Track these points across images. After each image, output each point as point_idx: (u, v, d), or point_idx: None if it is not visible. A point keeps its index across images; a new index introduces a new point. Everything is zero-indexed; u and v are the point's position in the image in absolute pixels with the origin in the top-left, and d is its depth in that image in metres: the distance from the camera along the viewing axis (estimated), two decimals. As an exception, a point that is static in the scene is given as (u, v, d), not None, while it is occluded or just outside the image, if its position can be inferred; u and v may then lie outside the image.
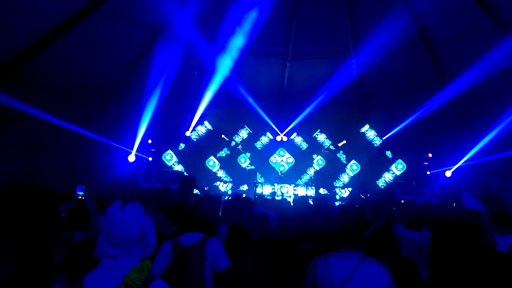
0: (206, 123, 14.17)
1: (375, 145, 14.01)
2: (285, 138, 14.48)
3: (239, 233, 3.86)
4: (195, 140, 14.05)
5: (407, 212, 4.88)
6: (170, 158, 13.54)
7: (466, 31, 10.18)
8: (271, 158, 14.65)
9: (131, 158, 11.95)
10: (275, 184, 13.11)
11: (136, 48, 11.11)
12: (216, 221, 4.20)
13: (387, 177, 13.57)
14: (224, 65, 11.90)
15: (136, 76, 11.35)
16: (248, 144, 14.59)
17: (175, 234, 3.47)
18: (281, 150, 14.67)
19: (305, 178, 14.28)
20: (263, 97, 13.49)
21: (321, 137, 14.53)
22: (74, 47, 9.59)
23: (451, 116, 11.96)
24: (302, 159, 14.57)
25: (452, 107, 11.37)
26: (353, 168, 14.04)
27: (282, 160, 14.65)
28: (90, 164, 11.14)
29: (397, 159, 13.59)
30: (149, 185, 10.82)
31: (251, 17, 10.60)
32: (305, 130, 14.47)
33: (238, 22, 10.83)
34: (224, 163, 14.29)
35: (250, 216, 4.14)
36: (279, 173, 14.31)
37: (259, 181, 13.71)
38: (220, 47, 11.56)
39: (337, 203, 11.65)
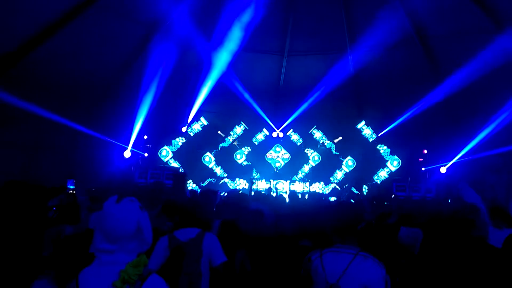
0: (202, 119, 14.15)
1: (371, 141, 14.05)
2: (281, 134, 14.49)
3: (230, 228, 3.87)
4: (191, 136, 14.03)
5: (402, 208, 4.91)
6: (166, 154, 13.52)
7: (461, 28, 10.22)
8: (267, 154, 14.66)
9: (127, 154, 11.92)
10: (271, 180, 13.12)
11: (132, 44, 11.07)
12: (212, 217, 4.21)
13: (383, 173, 13.62)
14: (221, 61, 11.86)
15: (132, 72, 11.31)
16: (244, 140, 14.59)
17: (171, 230, 3.48)
18: (277, 146, 14.68)
19: (301, 174, 14.31)
20: (259, 93, 13.49)
21: (317, 134, 14.55)
22: (69, 44, 9.55)
23: (447, 113, 12.03)
24: (298, 155, 14.59)
25: (447, 103, 11.42)
26: (348, 164, 14.09)
27: (278, 156, 14.66)
28: (86, 160, 11.11)
29: (393, 155, 13.65)
30: (145, 181, 10.80)
31: (248, 13, 10.56)
32: (301, 126, 14.48)
33: (234, 18, 10.80)
34: (220, 159, 14.29)
35: (245, 212, 4.14)
36: (275, 169, 14.33)
37: (255, 176, 13.72)
38: (216, 43, 11.53)
39: (333, 198, 11.70)
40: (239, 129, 14.56)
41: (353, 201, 8.59)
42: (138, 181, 10.82)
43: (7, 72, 8.88)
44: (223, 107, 14.32)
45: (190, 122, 13.76)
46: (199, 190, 11.23)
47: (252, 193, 10.08)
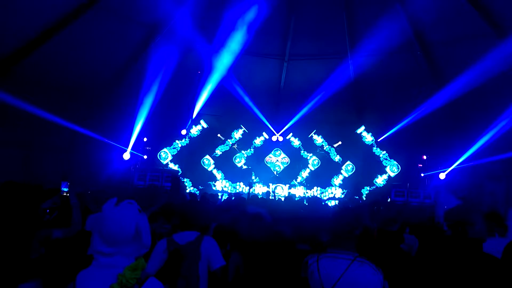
0: (202, 122, 14.16)
1: (371, 146, 14.05)
2: (280, 138, 14.50)
3: (222, 231, 3.86)
4: (191, 138, 14.02)
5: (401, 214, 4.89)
6: (165, 157, 13.52)
7: (462, 34, 10.25)
8: (267, 158, 14.66)
9: (126, 156, 11.91)
10: (270, 184, 13.12)
11: (133, 46, 11.09)
12: (210, 220, 4.20)
13: (382, 178, 13.61)
14: (221, 64, 11.89)
15: (133, 74, 11.32)
16: (243, 143, 14.59)
17: (169, 233, 3.47)
18: (277, 150, 14.69)
19: (300, 178, 14.30)
20: (259, 97, 13.51)
21: (317, 138, 14.56)
22: (70, 44, 9.56)
23: (446, 119, 12.03)
24: (297, 160, 14.59)
25: (447, 109, 11.43)
26: (348, 168, 14.08)
27: (277, 160, 14.66)
28: (84, 161, 11.10)
29: (392, 161, 13.65)
30: (144, 183, 10.79)
31: (249, 17, 10.59)
32: (301, 130, 14.49)
33: (235, 22, 10.82)
34: (220, 162, 14.29)
35: (242, 216, 4.14)
36: (275, 173, 14.33)
37: (254, 180, 13.71)
38: (218, 46, 11.55)
39: (332, 203, 11.70)
40: (238, 133, 14.56)
41: (351, 206, 8.58)
42: (137, 183, 10.81)
43: (8, 72, 8.89)
44: (223, 110, 14.33)
45: (190, 125, 13.77)
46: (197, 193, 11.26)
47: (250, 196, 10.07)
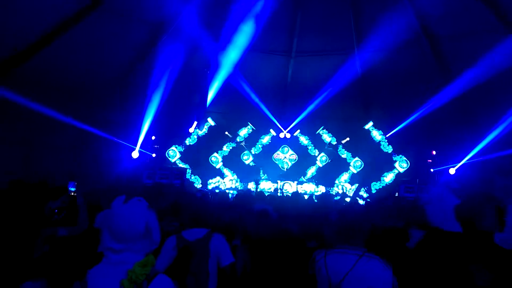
0: (209, 119, 14.19)
1: (379, 142, 13.97)
2: (288, 135, 14.48)
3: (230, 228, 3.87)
4: (199, 136, 14.06)
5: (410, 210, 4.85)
6: (173, 154, 13.58)
7: (470, 28, 10.13)
8: (274, 154, 14.66)
9: (135, 154, 11.99)
10: (278, 181, 13.12)
11: (140, 44, 11.14)
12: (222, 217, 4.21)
13: (391, 174, 13.53)
14: (228, 62, 11.90)
15: (140, 72, 11.38)
16: (251, 140, 14.60)
17: (177, 230, 3.49)
18: (285, 146, 14.67)
19: (309, 175, 14.28)
20: (266, 93, 13.49)
21: (324, 134, 14.51)
22: (78, 43, 9.64)
23: (455, 114, 11.92)
24: (305, 156, 14.56)
25: (456, 104, 11.32)
26: (356, 165, 14.02)
27: (285, 157, 14.65)
28: (93, 160, 11.19)
29: (401, 156, 13.56)
30: (153, 181, 10.86)
31: (255, 13, 10.58)
32: (309, 127, 14.45)
33: (242, 19, 10.82)
34: (227, 160, 14.32)
35: (249, 212, 4.14)
36: (283, 170, 14.33)
37: (263, 177, 13.72)
38: (224, 44, 11.56)
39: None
40: (246, 130, 14.57)
41: (360, 203, 8.56)
42: (146, 181, 10.88)
43: (15, 71, 8.99)
44: (230, 107, 14.34)
45: (203, 122, 13.79)
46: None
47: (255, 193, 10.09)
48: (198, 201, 4.70)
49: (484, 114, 10.95)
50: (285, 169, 14.43)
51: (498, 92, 10.23)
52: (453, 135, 11.94)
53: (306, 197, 9.43)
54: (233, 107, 14.24)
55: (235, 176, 13.87)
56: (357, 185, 13.32)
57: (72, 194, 5.54)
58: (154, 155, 12.81)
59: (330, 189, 13.33)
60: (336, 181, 13.85)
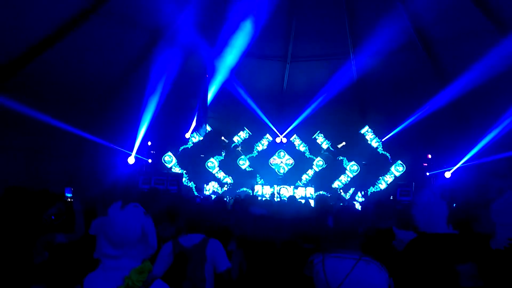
0: (205, 125, 14.17)
1: (375, 146, 14.02)
2: (284, 140, 14.51)
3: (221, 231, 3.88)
4: (195, 142, 14.05)
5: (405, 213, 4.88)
6: (169, 160, 13.55)
7: (464, 31, 10.22)
8: (271, 159, 14.67)
9: (131, 160, 11.97)
10: (275, 186, 13.13)
11: (136, 50, 11.15)
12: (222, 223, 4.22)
13: (387, 178, 13.58)
14: (224, 67, 11.93)
15: (136, 78, 11.38)
16: (247, 145, 14.60)
17: (173, 236, 3.48)
18: (281, 151, 14.69)
19: (305, 179, 14.29)
20: (262, 99, 13.53)
21: (320, 139, 14.55)
22: (74, 49, 9.64)
23: (451, 117, 12.00)
24: (301, 161, 14.58)
25: (452, 108, 11.40)
26: (352, 169, 14.06)
27: (281, 161, 14.66)
28: (89, 166, 11.16)
29: (397, 160, 13.61)
30: (149, 187, 10.83)
31: (251, 19, 10.63)
32: (305, 131, 14.49)
33: (237, 25, 10.86)
34: (224, 165, 14.31)
35: (245, 217, 4.15)
36: (279, 175, 14.34)
37: (259, 182, 13.73)
38: (220, 49, 11.60)
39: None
40: (242, 135, 14.58)
41: (355, 206, 8.58)
42: (142, 187, 10.85)
43: (13, 77, 8.97)
44: (227, 113, 14.36)
45: (192, 130, 13.79)
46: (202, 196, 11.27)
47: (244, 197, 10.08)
48: (195, 206, 4.69)
49: (479, 118, 11.02)
50: (281, 174, 14.44)
51: (492, 95, 10.31)
52: (448, 139, 12.01)
53: (302, 201, 9.43)
54: (230, 113, 14.26)
55: (229, 185, 13.84)
56: (353, 189, 13.35)
57: (69, 200, 5.52)
58: (150, 160, 12.79)
59: (327, 193, 13.35)
60: (333, 185, 13.87)
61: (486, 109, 10.76)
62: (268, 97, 14.00)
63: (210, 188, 13.52)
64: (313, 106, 13.33)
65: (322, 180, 13.97)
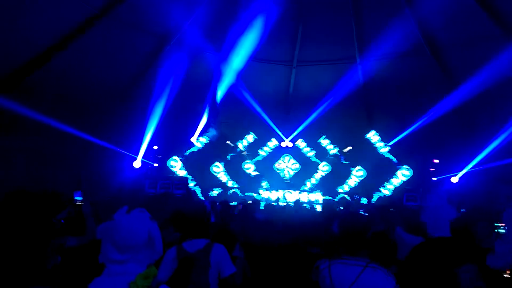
0: (211, 129, 14.19)
1: (381, 150, 13.95)
2: (290, 144, 14.49)
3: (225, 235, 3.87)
4: (201, 146, 14.06)
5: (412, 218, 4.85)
6: (175, 164, 13.57)
7: (472, 37, 10.18)
8: (276, 164, 14.65)
9: (137, 164, 12.01)
10: (280, 190, 13.10)
11: (143, 56, 11.23)
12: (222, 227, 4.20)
13: (394, 183, 13.49)
14: (230, 72, 11.97)
15: (143, 83, 11.45)
16: (253, 149, 14.60)
17: (178, 241, 3.48)
18: (286, 156, 14.67)
19: (311, 183, 14.24)
20: (268, 103, 13.53)
21: (326, 143, 14.51)
22: (81, 55, 9.74)
23: (458, 122, 11.92)
24: (307, 165, 14.54)
25: (459, 112, 11.33)
26: (358, 174, 13.99)
27: (287, 166, 14.63)
28: (96, 170, 11.21)
29: (403, 165, 13.53)
30: (155, 191, 10.85)
31: (257, 24, 10.66)
32: (311, 136, 14.46)
33: (244, 29, 10.90)
34: (229, 169, 14.30)
35: (251, 222, 4.15)
36: (285, 179, 14.30)
37: (264, 186, 13.70)
38: (226, 54, 11.64)
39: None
40: (248, 139, 14.57)
41: (361, 211, 8.53)
42: (148, 191, 10.87)
43: (21, 83, 9.06)
44: (232, 117, 14.37)
45: (200, 133, 13.82)
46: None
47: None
48: (203, 210, 4.69)
49: (486, 123, 10.94)
50: (287, 178, 14.40)
51: (500, 100, 10.23)
52: (455, 144, 11.91)
53: (307, 206, 9.40)
54: (235, 117, 14.26)
55: (235, 189, 13.83)
56: (358, 195, 13.29)
57: (79, 203, 5.56)
58: (156, 164, 12.82)
59: (332, 197, 13.28)
60: (339, 190, 13.81)
61: (494, 114, 10.68)
62: (274, 101, 14.00)
63: (216, 192, 13.52)
64: (319, 110, 13.31)
65: (327, 185, 13.91)
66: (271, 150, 14.74)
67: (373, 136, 14.04)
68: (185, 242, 3.28)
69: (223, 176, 14.13)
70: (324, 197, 13.07)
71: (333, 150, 14.39)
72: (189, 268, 2.99)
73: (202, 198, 12.82)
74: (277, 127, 14.19)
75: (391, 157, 13.76)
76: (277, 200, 12.28)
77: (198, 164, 13.95)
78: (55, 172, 10.24)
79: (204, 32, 10.94)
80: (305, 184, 14.21)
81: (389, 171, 13.67)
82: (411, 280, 2.39)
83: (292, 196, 12.81)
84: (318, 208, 10.43)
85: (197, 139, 13.78)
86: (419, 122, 12.03)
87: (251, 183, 13.89)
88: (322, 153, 14.54)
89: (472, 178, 11.28)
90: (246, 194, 13.50)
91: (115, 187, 10.47)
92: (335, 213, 6.19)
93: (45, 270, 2.99)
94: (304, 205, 9.02)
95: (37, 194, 3.36)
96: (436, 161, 12.71)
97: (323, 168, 14.34)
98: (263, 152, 14.67)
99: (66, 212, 4.12)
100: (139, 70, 11.41)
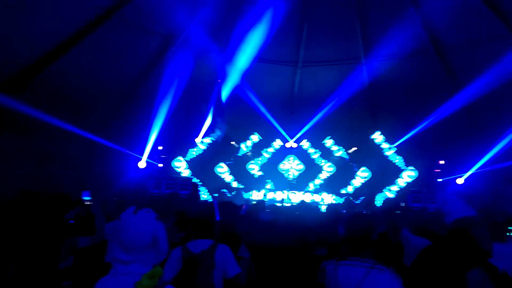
0: (216, 129, 14.20)
1: (386, 151, 13.90)
2: (294, 145, 14.46)
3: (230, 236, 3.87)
4: (205, 146, 14.07)
5: (418, 219, 4.82)
6: (179, 165, 13.59)
7: (478, 36, 10.11)
8: (281, 164, 14.63)
9: (142, 164, 12.04)
10: (285, 191, 13.08)
11: (148, 55, 11.26)
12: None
13: (399, 183, 13.43)
14: (235, 72, 11.98)
15: (148, 83, 11.48)
16: (257, 150, 14.59)
17: (182, 241, 3.48)
18: (291, 156, 14.65)
19: (315, 184, 14.21)
20: (273, 103, 13.52)
21: (331, 144, 14.47)
22: (86, 55, 9.76)
23: (463, 123, 11.85)
24: (312, 166, 14.51)
25: (465, 113, 11.26)
26: (363, 175, 13.94)
27: (291, 166, 14.61)
28: (101, 170, 11.26)
29: (409, 166, 13.47)
30: (159, 191, 10.87)
31: (262, 24, 10.66)
32: (315, 136, 14.42)
33: (249, 29, 10.91)
34: (234, 170, 14.30)
35: (256, 222, 4.15)
36: (290, 180, 14.28)
37: (268, 187, 13.70)
38: (231, 54, 11.66)
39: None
40: (252, 139, 14.57)
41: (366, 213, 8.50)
42: (153, 191, 10.89)
43: (26, 84, 9.11)
44: (237, 117, 14.37)
45: (205, 133, 13.83)
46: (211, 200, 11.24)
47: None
48: (208, 210, 4.70)
49: (493, 123, 10.87)
50: (291, 179, 14.38)
51: (506, 100, 10.16)
52: (461, 145, 11.85)
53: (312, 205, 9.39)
54: (240, 117, 14.25)
55: (240, 190, 13.81)
56: (364, 197, 13.24)
57: (87, 203, 5.58)
58: (161, 165, 12.84)
59: (336, 198, 13.25)
60: (344, 191, 13.77)
61: (500, 115, 10.61)
62: (279, 102, 13.99)
63: (221, 193, 13.52)
64: (324, 111, 13.27)
65: (332, 186, 13.87)
66: (276, 151, 14.72)
67: (378, 137, 13.99)
68: (189, 242, 3.29)
69: (227, 177, 14.13)
70: (330, 198, 13.05)
71: (338, 152, 14.35)
72: (194, 268, 3.00)
73: (207, 198, 12.84)
74: (281, 127, 14.17)
75: (396, 158, 13.71)
76: (282, 201, 12.28)
77: (203, 164, 13.97)
78: (59, 172, 10.29)
79: (209, 33, 10.95)
80: (309, 186, 14.18)
81: (394, 172, 13.62)
82: (420, 283, 2.38)
83: (296, 197, 12.79)
84: (323, 208, 10.42)
85: (201, 141, 13.79)
86: (425, 123, 11.97)
87: (256, 184, 13.87)
88: (326, 154, 14.50)
89: (478, 180, 11.21)
90: (249, 195, 13.49)
91: (119, 187, 10.51)
92: (340, 215, 6.16)
93: (57, 270, 3.00)
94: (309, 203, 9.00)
95: (43, 194, 3.37)
96: (442, 162, 12.66)
97: (328, 169, 14.31)
98: (267, 155, 14.65)
99: (74, 213, 4.13)
100: (144, 70, 11.44)
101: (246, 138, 14.50)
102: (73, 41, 9.26)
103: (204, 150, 14.01)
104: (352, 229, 2.54)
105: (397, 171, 13.58)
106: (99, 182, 10.58)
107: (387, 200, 13.02)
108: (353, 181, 13.96)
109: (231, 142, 14.26)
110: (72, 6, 8.74)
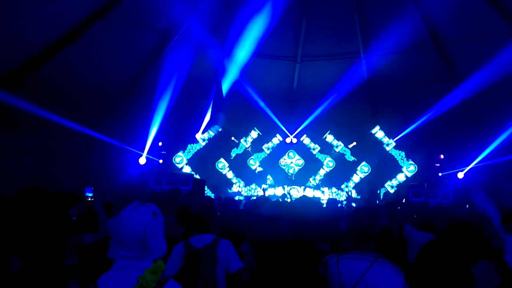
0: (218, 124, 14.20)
1: (386, 146, 13.90)
2: (294, 140, 14.46)
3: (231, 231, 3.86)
4: (205, 142, 14.06)
5: (419, 214, 4.82)
6: (180, 160, 13.59)
7: (478, 31, 10.08)
8: (281, 160, 14.63)
9: (142, 160, 12.03)
10: (285, 186, 13.09)
11: (147, 51, 11.22)
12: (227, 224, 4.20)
13: (399, 178, 13.45)
14: (234, 67, 11.94)
15: (147, 79, 11.45)
16: (257, 146, 14.59)
17: (184, 237, 3.48)
18: (291, 152, 14.65)
19: (313, 180, 14.22)
20: (272, 99, 13.50)
21: (331, 139, 14.47)
22: (85, 51, 9.72)
23: (463, 117, 11.85)
24: (312, 161, 14.52)
25: (464, 108, 11.25)
26: (363, 169, 13.95)
27: (292, 162, 14.61)
28: (101, 167, 11.25)
29: (409, 160, 13.48)
30: (160, 187, 10.86)
31: (261, 19, 10.62)
32: (315, 131, 14.43)
33: (248, 25, 10.87)
34: (234, 165, 14.30)
35: (257, 218, 4.13)
36: (291, 176, 14.29)
37: (268, 183, 13.70)
38: (230, 49, 11.62)
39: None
40: (253, 134, 14.56)
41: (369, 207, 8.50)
42: (153, 187, 10.88)
43: (25, 80, 9.07)
44: (237, 113, 14.36)
45: (204, 128, 13.81)
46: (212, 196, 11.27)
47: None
48: (210, 206, 4.69)
49: (492, 118, 10.86)
50: (291, 174, 14.39)
51: (505, 95, 10.15)
52: (461, 139, 11.85)
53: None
54: (239, 113, 14.24)
55: (241, 186, 13.83)
56: (364, 191, 13.26)
57: (89, 199, 5.58)
58: (161, 161, 12.84)
59: (337, 192, 13.26)
60: (343, 186, 13.79)
61: (499, 109, 10.60)
62: (278, 97, 13.97)
63: (221, 188, 13.54)
64: (323, 106, 13.27)
65: (332, 181, 13.89)
66: (276, 146, 14.72)
67: (378, 131, 13.98)
68: (192, 237, 3.29)
69: (228, 172, 14.14)
70: (331, 192, 13.06)
71: (338, 146, 14.35)
72: (197, 263, 3.00)
73: (208, 194, 12.85)
74: (281, 123, 14.16)
75: (396, 152, 13.71)
76: (283, 196, 12.29)
77: (203, 160, 13.97)
78: (59, 169, 10.28)
79: (208, 28, 10.90)
80: (309, 181, 14.19)
81: (394, 166, 13.63)
82: (424, 277, 2.37)
83: (297, 192, 12.80)
84: (324, 202, 10.42)
85: (201, 137, 13.78)
86: (425, 117, 11.97)
87: (256, 179, 13.88)
88: (326, 149, 14.50)
89: (478, 174, 11.22)
90: (250, 191, 13.50)
91: (120, 184, 10.51)
92: (340, 210, 6.17)
93: (63, 267, 2.99)
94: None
95: (46, 191, 3.36)
96: (442, 156, 12.66)
97: (328, 164, 14.31)
98: (270, 145, 14.65)
99: (77, 209, 4.12)
100: (143, 66, 11.40)
101: (245, 133, 14.49)
102: (71, 37, 9.21)
103: (204, 146, 14.01)
104: (354, 223, 2.53)
105: (397, 166, 13.58)
106: (100, 178, 10.58)
107: (386, 194, 13.05)
108: (353, 176, 13.98)
109: (231, 138, 14.25)
110: (70, 2, 8.70)
